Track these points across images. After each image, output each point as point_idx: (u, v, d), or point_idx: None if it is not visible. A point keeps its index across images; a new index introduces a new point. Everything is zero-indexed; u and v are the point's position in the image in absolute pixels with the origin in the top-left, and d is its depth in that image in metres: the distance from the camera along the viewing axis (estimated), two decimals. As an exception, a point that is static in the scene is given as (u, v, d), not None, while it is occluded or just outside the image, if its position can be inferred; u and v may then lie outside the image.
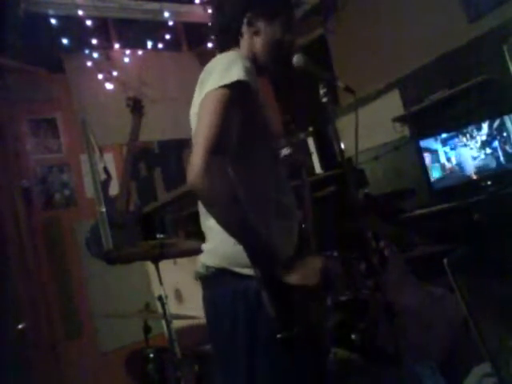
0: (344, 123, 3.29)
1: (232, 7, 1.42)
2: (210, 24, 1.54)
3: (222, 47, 1.46)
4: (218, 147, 1.14)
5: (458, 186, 3.19)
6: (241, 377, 1.25)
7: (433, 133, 3.31)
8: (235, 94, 1.20)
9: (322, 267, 1.21)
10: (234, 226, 1.19)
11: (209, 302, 1.33)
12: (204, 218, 1.35)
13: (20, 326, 2.90)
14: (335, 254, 2.42)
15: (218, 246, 1.29)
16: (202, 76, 1.30)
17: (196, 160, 1.12)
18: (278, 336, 1.13)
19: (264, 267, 1.19)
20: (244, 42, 1.42)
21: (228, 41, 1.45)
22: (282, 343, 1.13)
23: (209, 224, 1.32)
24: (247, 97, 1.24)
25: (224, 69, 1.23)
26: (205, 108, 1.21)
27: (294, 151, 1.59)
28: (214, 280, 1.31)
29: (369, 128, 3.49)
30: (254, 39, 1.41)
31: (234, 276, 1.25)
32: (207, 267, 1.32)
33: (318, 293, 1.23)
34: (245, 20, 1.40)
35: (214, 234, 1.31)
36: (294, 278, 1.16)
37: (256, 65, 1.40)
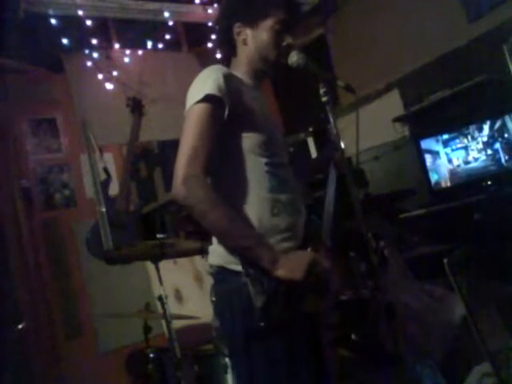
0: (344, 123, 3.29)
1: (223, 22, 1.54)
2: (210, 24, 1.61)
3: (224, 58, 1.57)
4: (195, 159, 1.26)
5: (458, 186, 3.19)
6: (243, 370, 1.33)
7: (433, 133, 3.31)
8: (208, 108, 1.31)
9: (309, 262, 1.27)
10: (216, 231, 1.31)
11: (214, 298, 1.42)
12: None
13: (20, 326, 2.90)
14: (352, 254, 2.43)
15: (216, 246, 1.38)
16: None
17: (176, 172, 1.25)
18: (259, 324, 1.20)
19: (251, 262, 1.26)
20: (239, 51, 1.51)
21: (226, 52, 1.56)
22: (251, 332, 1.23)
23: None
24: (222, 108, 1.33)
25: (198, 86, 1.35)
26: (184, 125, 1.33)
27: (327, 147, 1.65)
28: (215, 277, 1.40)
29: (369, 128, 3.47)
30: (244, 48, 1.49)
31: (230, 273, 1.32)
32: (210, 266, 1.40)
33: (305, 286, 1.27)
34: (234, 31, 1.49)
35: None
36: (279, 272, 1.24)
37: (256, 70, 1.50)
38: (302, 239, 1.41)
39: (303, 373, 1.30)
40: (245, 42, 1.48)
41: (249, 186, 1.36)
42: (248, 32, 1.47)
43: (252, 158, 1.37)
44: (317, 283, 1.30)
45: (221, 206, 1.26)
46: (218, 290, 1.39)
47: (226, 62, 1.55)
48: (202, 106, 1.31)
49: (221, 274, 1.36)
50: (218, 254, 1.36)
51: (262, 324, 1.20)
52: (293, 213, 1.40)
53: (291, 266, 1.25)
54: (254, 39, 1.47)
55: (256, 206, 1.34)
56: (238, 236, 1.28)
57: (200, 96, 1.31)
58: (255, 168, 1.37)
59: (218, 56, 1.60)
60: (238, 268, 1.29)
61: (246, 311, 1.25)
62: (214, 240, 1.39)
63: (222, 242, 1.33)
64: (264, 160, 1.39)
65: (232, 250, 1.31)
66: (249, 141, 1.38)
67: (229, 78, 1.36)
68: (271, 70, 1.51)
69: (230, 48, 1.53)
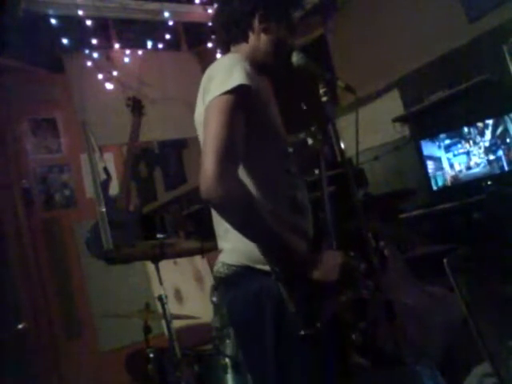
0: (344, 123, 3.29)
1: (242, 2, 1.41)
2: (214, 18, 1.52)
3: (226, 42, 1.47)
4: (227, 154, 1.14)
5: (458, 186, 3.19)
6: (270, 373, 1.25)
7: (433, 133, 3.31)
8: (238, 99, 1.20)
9: (342, 262, 1.23)
10: (253, 230, 1.20)
11: (233, 301, 1.33)
12: (218, 220, 1.33)
13: (20, 326, 2.90)
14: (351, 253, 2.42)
15: (239, 244, 1.27)
16: (203, 82, 1.30)
17: (208, 170, 1.11)
18: (300, 333, 1.14)
19: (285, 265, 1.19)
20: (252, 37, 1.42)
21: (235, 35, 1.44)
22: (304, 340, 1.14)
23: (226, 226, 1.27)
24: (250, 100, 1.24)
25: (225, 74, 1.23)
26: (210, 116, 1.21)
27: (313, 141, 1.60)
28: (236, 278, 1.30)
29: (369, 128, 3.49)
30: (261, 36, 1.42)
31: (256, 273, 1.25)
32: (229, 266, 1.31)
33: (338, 288, 1.24)
34: (256, 16, 1.40)
35: (232, 234, 1.27)
36: (315, 274, 1.19)
37: (257, 62, 1.41)
38: (312, 237, 1.37)
39: (334, 375, 1.28)
40: (265, 31, 1.41)
41: (268, 184, 1.30)
42: (271, 23, 1.41)
43: (269, 153, 1.32)
44: (347, 283, 1.26)
45: (258, 204, 1.17)
46: (241, 292, 1.28)
47: (226, 47, 1.47)
48: (231, 97, 1.19)
49: (243, 275, 1.27)
50: (241, 252, 1.27)
51: (303, 332, 1.13)
52: (305, 210, 1.37)
53: (325, 267, 1.20)
54: (275, 31, 1.41)
55: (278, 204, 1.29)
56: (275, 236, 1.18)
57: (230, 85, 1.19)
58: (273, 164, 1.32)
59: (219, 56, 1.55)
60: (266, 268, 1.22)
61: (278, 314, 1.19)
62: (232, 239, 1.29)
63: (263, 242, 1.21)
64: (280, 156, 1.35)
65: (266, 251, 1.20)
66: (266, 135, 1.32)
67: (251, 67, 1.28)
68: (276, 65, 1.46)
69: (242, 32, 1.42)
